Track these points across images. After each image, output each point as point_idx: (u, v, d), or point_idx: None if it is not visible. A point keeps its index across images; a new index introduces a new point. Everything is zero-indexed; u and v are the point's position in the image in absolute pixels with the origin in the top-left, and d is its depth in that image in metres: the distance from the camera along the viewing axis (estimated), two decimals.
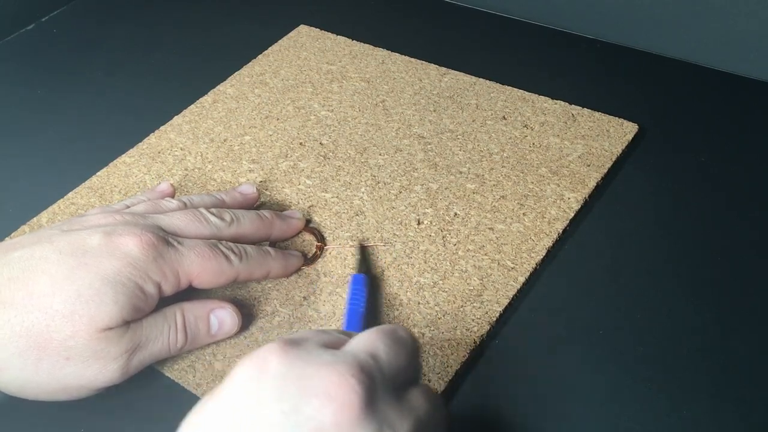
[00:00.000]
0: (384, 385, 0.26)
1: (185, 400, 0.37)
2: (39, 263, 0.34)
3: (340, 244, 0.44)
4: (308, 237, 0.45)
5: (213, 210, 0.40)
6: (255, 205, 0.45)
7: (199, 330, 0.38)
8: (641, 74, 0.57)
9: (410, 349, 0.29)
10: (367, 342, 0.28)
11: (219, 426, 0.25)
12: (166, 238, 0.36)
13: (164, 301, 0.37)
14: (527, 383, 0.38)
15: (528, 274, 0.42)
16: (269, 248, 0.41)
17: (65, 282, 0.33)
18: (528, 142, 0.50)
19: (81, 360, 0.33)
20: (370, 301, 0.40)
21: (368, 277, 0.41)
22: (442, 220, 0.45)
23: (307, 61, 0.60)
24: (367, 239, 0.44)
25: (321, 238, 0.45)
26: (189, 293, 0.39)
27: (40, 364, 0.33)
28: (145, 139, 0.53)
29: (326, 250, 0.44)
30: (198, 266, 0.36)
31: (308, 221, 0.46)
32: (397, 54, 0.60)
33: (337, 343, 0.28)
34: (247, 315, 0.41)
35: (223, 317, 0.38)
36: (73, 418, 0.37)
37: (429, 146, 0.51)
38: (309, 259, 0.43)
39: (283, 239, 0.44)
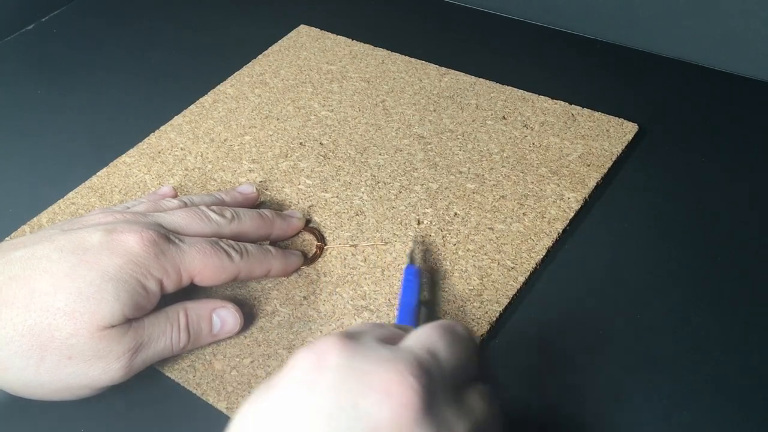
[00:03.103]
0: (443, 385, 0.26)
1: (185, 400, 0.38)
2: (40, 262, 0.34)
3: (340, 244, 0.44)
4: (308, 237, 0.45)
5: (214, 207, 0.40)
6: (255, 205, 0.45)
7: (201, 329, 0.38)
8: (641, 74, 0.57)
9: (470, 346, 0.29)
10: (426, 339, 0.27)
11: (275, 417, 0.25)
12: (167, 235, 0.36)
13: (166, 300, 0.37)
14: (527, 383, 0.38)
15: (528, 274, 0.42)
16: (270, 247, 0.41)
17: (66, 280, 0.33)
18: (528, 142, 0.50)
19: (83, 359, 0.33)
20: (425, 293, 0.40)
21: (421, 270, 0.41)
22: (442, 220, 0.45)
23: (307, 61, 0.60)
24: (367, 239, 0.44)
25: (321, 238, 0.45)
26: (191, 292, 0.39)
27: (42, 363, 0.33)
28: (145, 139, 0.53)
29: (326, 249, 0.44)
30: (200, 263, 0.36)
31: (308, 221, 0.46)
32: (397, 54, 0.60)
33: (393, 338, 0.28)
34: (248, 315, 0.41)
35: (225, 317, 0.38)
36: (73, 418, 0.37)
37: (429, 146, 0.51)
38: (309, 259, 0.43)
39: (283, 239, 0.44)
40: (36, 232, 0.37)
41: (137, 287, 0.34)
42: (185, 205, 0.41)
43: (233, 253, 0.38)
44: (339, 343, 0.26)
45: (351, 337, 0.26)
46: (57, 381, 0.33)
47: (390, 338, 0.28)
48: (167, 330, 0.36)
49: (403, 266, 0.42)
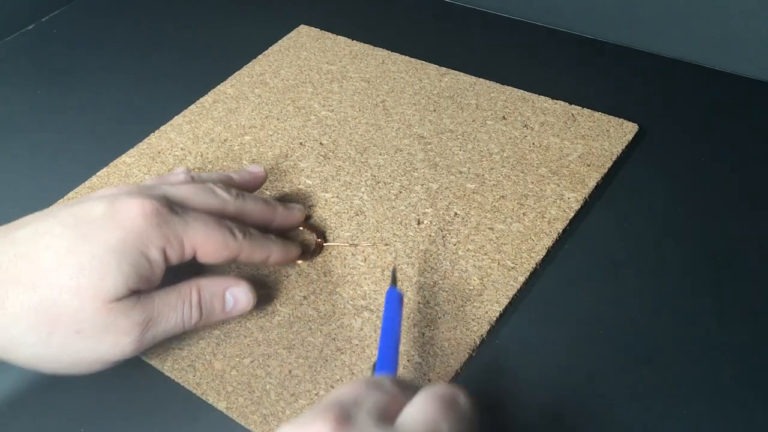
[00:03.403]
0: None
1: (185, 400, 0.38)
2: (43, 238, 0.34)
3: (339, 243, 0.44)
4: (308, 234, 0.45)
5: (220, 185, 0.40)
6: (262, 184, 0.45)
7: (214, 307, 0.37)
8: (641, 74, 0.57)
9: (473, 423, 0.27)
10: (428, 419, 0.25)
11: None
12: (170, 206, 0.36)
13: (177, 277, 0.37)
14: (527, 383, 0.38)
15: (528, 274, 0.42)
16: (271, 234, 0.41)
17: (68, 255, 0.33)
18: (528, 142, 0.50)
19: (92, 333, 0.33)
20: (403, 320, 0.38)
21: (403, 295, 0.38)
22: (442, 220, 0.45)
23: (307, 61, 0.60)
24: (367, 239, 0.44)
25: (321, 235, 0.45)
26: (201, 270, 0.38)
27: (51, 338, 0.33)
28: (145, 139, 0.53)
29: (326, 247, 0.44)
30: (202, 235, 0.36)
31: (308, 217, 0.46)
32: (397, 54, 0.60)
33: (392, 406, 0.26)
34: (247, 314, 0.41)
35: (238, 295, 0.38)
36: (73, 418, 0.37)
37: (429, 146, 0.51)
38: (309, 254, 0.43)
39: (284, 228, 0.44)
40: (43, 210, 0.37)
41: (140, 259, 0.34)
42: (192, 180, 0.40)
43: (236, 231, 0.38)
44: (332, 428, 0.24)
45: (345, 417, 0.24)
46: (68, 356, 0.34)
47: (388, 407, 0.26)
48: (178, 306, 0.36)
49: (402, 267, 0.42)
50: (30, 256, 0.33)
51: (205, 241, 0.36)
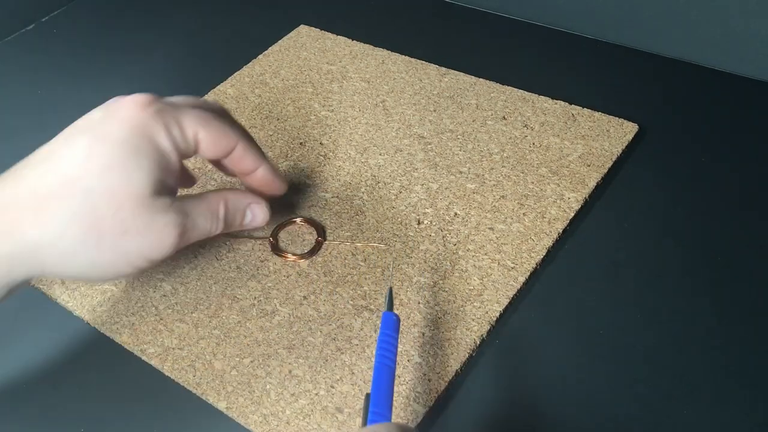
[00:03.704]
0: None
1: (185, 400, 0.38)
2: (59, 152, 0.34)
3: (339, 242, 0.44)
4: (309, 236, 0.45)
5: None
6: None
7: (235, 220, 0.39)
8: (641, 74, 0.57)
9: None
10: None
11: None
12: (161, 98, 0.37)
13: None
14: (527, 383, 0.38)
15: (528, 274, 0.42)
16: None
17: (89, 160, 0.34)
18: (528, 142, 0.50)
19: (137, 232, 0.34)
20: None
21: (399, 319, 0.35)
22: (442, 220, 0.45)
23: (307, 61, 0.60)
24: (367, 239, 0.44)
25: (322, 233, 0.45)
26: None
27: (101, 243, 0.33)
28: None
29: (325, 245, 0.44)
30: (201, 121, 0.37)
31: (308, 217, 0.46)
32: (397, 54, 0.60)
33: None
34: (247, 314, 0.41)
35: (256, 211, 0.40)
36: (73, 418, 0.37)
37: (429, 146, 0.51)
38: (308, 252, 0.43)
39: (264, 186, 0.42)
40: None
41: (152, 148, 0.35)
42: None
43: (233, 123, 0.39)
44: None
45: None
46: (119, 256, 0.34)
47: None
48: (208, 217, 0.37)
49: (402, 267, 0.42)
50: (57, 170, 0.34)
51: (205, 125, 0.37)
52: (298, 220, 0.46)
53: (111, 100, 0.37)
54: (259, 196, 0.41)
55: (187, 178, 0.44)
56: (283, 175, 0.44)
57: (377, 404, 0.30)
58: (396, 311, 0.40)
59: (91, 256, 0.34)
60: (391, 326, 0.34)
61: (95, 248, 0.33)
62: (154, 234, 0.34)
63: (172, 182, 0.36)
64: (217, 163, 0.40)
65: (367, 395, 0.30)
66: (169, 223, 0.35)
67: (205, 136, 0.37)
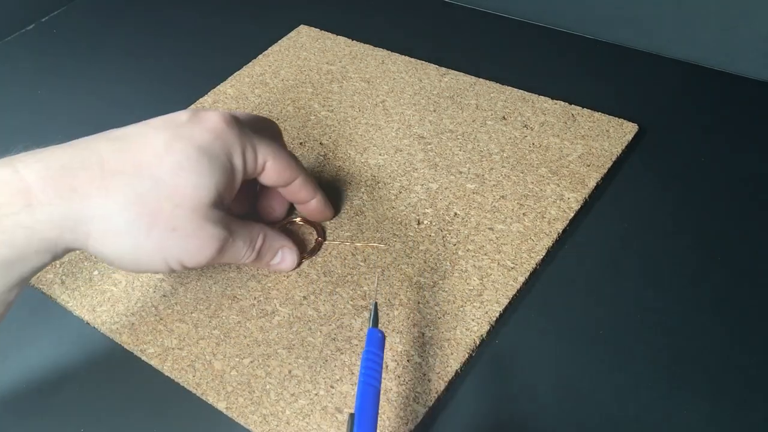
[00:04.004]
0: None
1: (185, 400, 0.38)
2: (141, 137, 0.35)
3: (339, 242, 0.44)
4: (309, 236, 0.45)
5: None
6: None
7: (266, 257, 0.41)
8: (641, 74, 0.57)
9: None
10: None
11: None
12: (238, 118, 0.38)
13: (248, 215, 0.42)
14: (527, 383, 0.38)
15: (528, 274, 0.42)
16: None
17: (167, 154, 0.34)
18: (528, 142, 0.50)
19: (185, 234, 0.35)
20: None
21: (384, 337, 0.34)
22: (442, 220, 0.45)
23: (307, 61, 0.60)
24: (367, 239, 0.44)
25: (322, 233, 0.45)
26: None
27: (151, 232, 0.34)
28: None
29: (325, 245, 0.44)
30: (273, 150, 0.38)
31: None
32: (397, 54, 0.60)
33: None
34: (247, 314, 0.41)
35: (287, 256, 0.42)
36: (73, 418, 0.37)
37: (429, 146, 0.51)
38: (307, 252, 0.44)
39: (314, 213, 0.44)
40: None
41: (226, 162, 0.36)
42: None
43: (296, 158, 0.40)
44: None
45: None
46: (159, 251, 0.34)
47: None
48: (247, 242, 0.38)
49: (402, 267, 0.42)
50: (132, 150, 0.34)
51: (275, 156, 0.38)
52: (297, 219, 0.46)
53: (197, 110, 0.38)
54: (308, 222, 0.45)
55: (241, 200, 0.43)
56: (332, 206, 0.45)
57: (362, 427, 0.29)
58: (396, 310, 0.40)
59: (137, 242, 0.34)
60: (376, 344, 0.33)
61: (144, 236, 0.34)
62: (199, 241, 0.35)
63: (229, 199, 0.37)
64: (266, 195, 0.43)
65: (351, 415, 0.29)
66: (215, 235, 0.36)
67: (272, 166, 0.38)
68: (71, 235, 0.33)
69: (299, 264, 0.43)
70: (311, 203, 0.43)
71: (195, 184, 0.34)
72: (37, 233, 0.32)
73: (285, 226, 0.46)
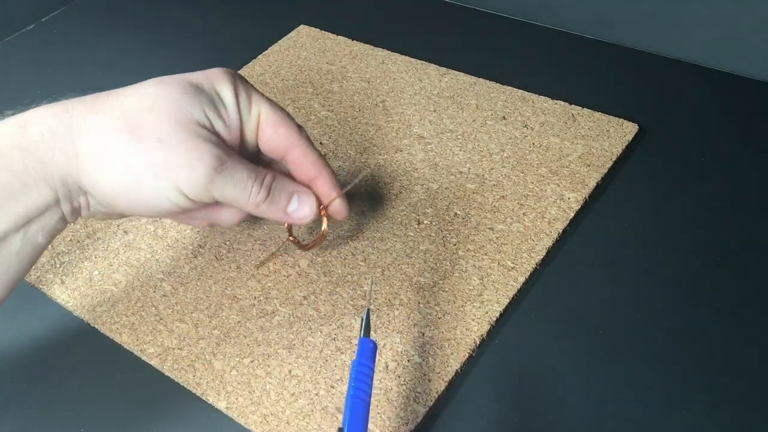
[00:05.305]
0: None
1: (185, 400, 0.38)
2: (126, 89, 0.36)
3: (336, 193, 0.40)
4: (315, 233, 0.45)
5: None
6: None
7: (280, 198, 0.38)
8: (641, 74, 0.57)
9: None
10: None
11: None
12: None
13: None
14: (527, 383, 0.38)
15: (528, 274, 0.42)
16: None
17: (150, 85, 0.35)
18: (528, 142, 0.50)
19: (171, 145, 0.33)
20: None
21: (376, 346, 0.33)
22: (442, 220, 0.45)
23: (307, 61, 0.60)
24: (365, 234, 0.44)
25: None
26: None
27: (137, 145, 0.33)
28: None
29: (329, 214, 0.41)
30: (268, 103, 0.38)
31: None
32: (397, 54, 0.60)
33: None
34: (247, 314, 0.41)
35: (303, 200, 0.38)
36: (73, 418, 0.37)
37: (429, 146, 0.51)
38: (308, 246, 0.42)
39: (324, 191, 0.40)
40: None
41: (212, 92, 0.36)
42: None
43: (300, 126, 0.39)
44: None
45: None
46: (151, 167, 0.33)
47: None
48: (251, 177, 0.36)
49: (402, 267, 0.42)
50: (117, 92, 0.35)
51: (270, 108, 0.37)
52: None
53: None
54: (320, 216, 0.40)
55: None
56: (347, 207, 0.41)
57: None
58: (396, 310, 0.40)
59: (125, 159, 0.33)
60: (368, 355, 0.31)
61: (132, 150, 0.33)
62: (187, 152, 0.34)
63: (226, 136, 0.36)
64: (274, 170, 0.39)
65: (339, 430, 0.29)
66: (206, 149, 0.34)
67: (267, 116, 0.37)
68: (63, 156, 0.33)
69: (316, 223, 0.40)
70: (318, 181, 0.39)
71: (177, 98, 0.34)
72: (30, 155, 0.32)
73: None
